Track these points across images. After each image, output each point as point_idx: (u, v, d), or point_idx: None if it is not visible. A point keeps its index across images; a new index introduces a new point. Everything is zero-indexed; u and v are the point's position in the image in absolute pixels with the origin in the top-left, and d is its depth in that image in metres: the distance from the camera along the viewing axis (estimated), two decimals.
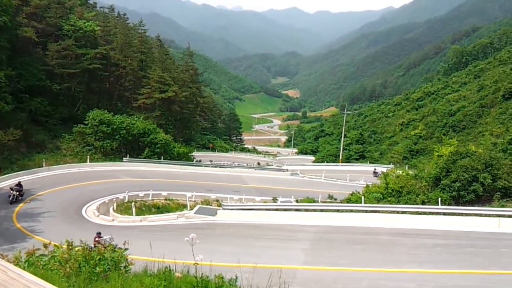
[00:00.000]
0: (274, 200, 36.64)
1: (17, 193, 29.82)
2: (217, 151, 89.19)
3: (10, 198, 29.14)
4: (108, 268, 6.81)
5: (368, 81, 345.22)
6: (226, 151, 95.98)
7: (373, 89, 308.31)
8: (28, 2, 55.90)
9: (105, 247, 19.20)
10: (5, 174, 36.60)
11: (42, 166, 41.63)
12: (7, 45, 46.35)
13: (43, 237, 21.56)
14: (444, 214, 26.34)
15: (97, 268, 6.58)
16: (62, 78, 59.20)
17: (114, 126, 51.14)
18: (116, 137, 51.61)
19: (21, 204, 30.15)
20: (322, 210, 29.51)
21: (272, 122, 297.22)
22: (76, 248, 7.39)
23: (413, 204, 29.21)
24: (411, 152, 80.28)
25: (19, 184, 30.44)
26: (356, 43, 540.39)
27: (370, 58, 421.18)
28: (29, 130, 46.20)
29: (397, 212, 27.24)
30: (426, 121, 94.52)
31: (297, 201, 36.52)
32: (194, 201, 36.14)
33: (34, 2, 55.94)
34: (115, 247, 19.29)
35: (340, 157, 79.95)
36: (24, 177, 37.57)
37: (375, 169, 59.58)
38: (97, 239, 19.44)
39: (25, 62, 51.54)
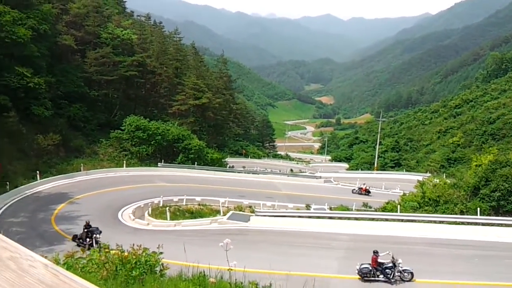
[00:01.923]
0: (307, 207, 36.32)
1: (93, 236, 22.29)
2: (250, 157, 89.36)
3: (87, 243, 21.67)
4: (144, 272, 6.87)
5: (404, 88, 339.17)
6: (259, 157, 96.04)
7: (409, 96, 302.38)
8: (67, 11, 57.93)
9: (90, 234, 21.14)
10: (44, 178, 37.79)
11: (80, 171, 42.75)
12: (47, 53, 48.03)
13: None
14: (483, 224, 25.48)
15: (133, 272, 6.64)
16: (100, 85, 60.89)
17: (150, 132, 52.08)
18: (152, 142, 52.53)
19: (59, 207, 31.02)
20: (356, 219, 29.05)
21: (305, 129, 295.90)
22: (113, 252, 7.49)
23: (451, 214, 28.38)
24: (449, 161, 78.11)
25: (88, 225, 22.62)
26: (391, 49, 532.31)
27: (406, 65, 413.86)
28: (68, 135, 47.62)
29: (434, 222, 26.54)
30: (464, 129, 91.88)
31: (330, 208, 36.06)
32: (227, 207, 36.25)
33: (74, 11, 57.92)
34: (93, 236, 21.19)
35: (375, 165, 78.69)
36: (63, 181, 38.79)
37: (362, 186, 50.02)
38: (84, 228, 21.55)
39: (64, 69, 53.31)
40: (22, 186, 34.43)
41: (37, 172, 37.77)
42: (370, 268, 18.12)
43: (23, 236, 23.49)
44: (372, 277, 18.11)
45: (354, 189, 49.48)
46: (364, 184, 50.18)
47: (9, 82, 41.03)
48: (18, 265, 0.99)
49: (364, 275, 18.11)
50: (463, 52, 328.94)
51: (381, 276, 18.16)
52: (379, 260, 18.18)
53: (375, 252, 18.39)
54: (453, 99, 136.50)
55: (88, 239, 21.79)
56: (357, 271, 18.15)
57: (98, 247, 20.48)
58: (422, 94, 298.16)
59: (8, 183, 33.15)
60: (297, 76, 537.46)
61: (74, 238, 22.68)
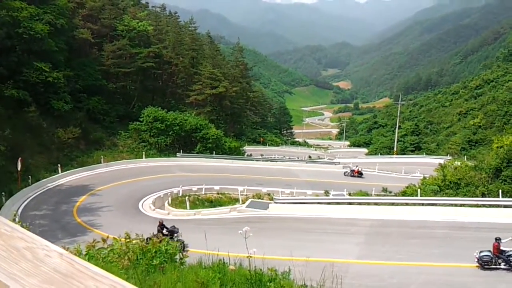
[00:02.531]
0: (326, 193, 36.29)
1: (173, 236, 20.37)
2: (268, 145, 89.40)
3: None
4: (164, 260, 7.02)
5: (423, 69, 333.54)
6: (277, 145, 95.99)
7: (429, 78, 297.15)
8: (83, 5, 58.35)
9: (165, 235, 19.13)
10: (65, 171, 38.51)
11: (100, 163, 43.39)
12: (64, 47, 48.59)
13: (102, 230, 22.49)
14: (505, 206, 25.13)
15: (154, 261, 6.79)
16: (117, 77, 61.45)
17: (168, 123, 52.49)
18: (170, 133, 52.96)
19: (81, 199, 31.65)
20: (376, 204, 28.96)
21: (323, 114, 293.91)
22: (134, 241, 7.65)
23: (472, 197, 28.05)
24: (470, 143, 76.87)
25: (162, 225, 20.75)
26: (410, 31, 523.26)
27: (425, 46, 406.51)
28: (88, 128, 48.29)
29: (455, 205, 26.28)
30: (485, 110, 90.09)
31: (349, 194, 35.98)
32: (246, 195, 36.45)
33: (89, 4, 58.35)
34: (174, 236, 19.06)
35: (395, 149, 77.95)
36: (84, 173, 39.48)
37: (354, 168, 50.31)
38: (158, 228, 19.80)
39: (82, 62, 53.92)
40: (44, 180, 35.11)
41: (58, 165, 38.47)
42: (491, 256, 17.15)
43: (46, 229, 24.05)
44: (494, 265, 17.07)
45: (346, 172, 49.38)
46: (356, 166, 50.03)
47: (28, 78, 41.73)
48: (34, 254, 1.02)
49: (485, 264, 17.11)
50: (483, 31, 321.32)
51: (503, 264, 17.13)
52: (501, 248, 17.20)
53: (497, 239, 17.41)
54: (473, 80, 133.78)
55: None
56: (476, 260, 17.20)
57: (181, 248, 18.84)
58: (442, 76, 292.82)
59: (30, 177, 33.87)
60: (314, 61, 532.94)
61: (148, 240, 20.73)
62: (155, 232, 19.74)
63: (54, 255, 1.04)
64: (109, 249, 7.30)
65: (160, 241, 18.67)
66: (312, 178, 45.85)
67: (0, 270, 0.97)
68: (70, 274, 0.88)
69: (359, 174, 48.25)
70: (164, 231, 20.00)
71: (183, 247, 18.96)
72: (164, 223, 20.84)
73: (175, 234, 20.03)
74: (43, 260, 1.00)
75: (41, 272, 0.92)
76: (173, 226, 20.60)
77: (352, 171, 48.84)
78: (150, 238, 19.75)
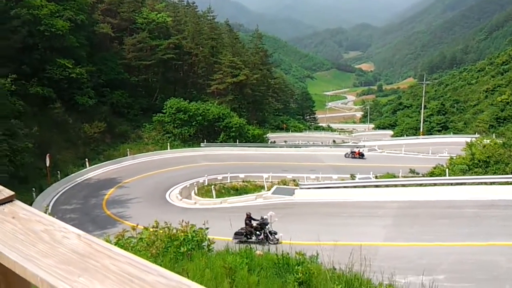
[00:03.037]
0: (352, 177, 36.01)
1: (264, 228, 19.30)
2: (291, 131, 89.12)
3: (259, 238, 18.93)
4: (192, 247, 7.08)
5: (448, 47, 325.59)
6: (300, 130, 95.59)
7: (453, 56, 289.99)
8: None
9: (255, 228, 18.67)
10: (93, 165, 39.28)
11: (127, 155, 44.06)
12: (86, 42, 49.26)
13: (131, 222, 22.74)
14: None
15: (182, 248, 6.86)
16: (139, 70, 62.00)
17: (191, 113, 52.80)
18: (193, 123, 53.29)
19: (109, 192, 32.25)
20: (403, 185, 28.59)
21: (346, 98, 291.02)
22: (161, 230, 7.75)
23: (502, 174, 27.37)
24: (498, 120, 75.03)
25: (250, 217, 19.32)
26: (432, 9, 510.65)
27: (448, 23, 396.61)
28: (112, 122, 49.02)
29: (485, 184, 25.73)
30: None
31: (376, 177, 35.62)
32: (271, 182, 36.47)
33: None
34: (266, 228, 18.60)
35: (421, 130, 76.65)
36: (111, 167, 40.19)
37: (356, 149, 50.77)
38: (246, 221, 19.05)
39: (103, 57, 54.58)
40: (73, 174, 35.91)
41: (86, 159, 39.28)
42: None
43: (77, 222, 24.58)
44: None
45: (347, 153, 49.13)
46: (357, 147, 49.37)
47: (52, 75, 42.51)
48: (52, 236, 1.02)
49: None
50: (508, 6, 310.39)
51: None
52: None
53: None
54: (499, 56, 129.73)
55: (259, 233, 19.04)
56: None
57: (275, 241, 18.26)
58: (467, 53, 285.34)
59: (59, 172, 34.69)
60: (334, 45, 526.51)
61: (238, 235, 18.95)
62: (243, 226, 19.03)
63: (72, 236, 1.03)
64: (138, 238, 7.42)
65: (250, 234, 18.72)
66: (337, 163, 45.52)
67: (17, 253, 0.98)
68: (87, 254, 0.89)
69: (360, 156, 48.05)
70: (254, 223, 19.13)
71: (277, 239, 18.24)
72: (251, 215, 19.41)
73: (267, 226, 18.89)
74: (61, 242, 0.99)
75: (58, 253, 0.93)
76: (262, 218, 19.17)
77: (353, 152, 48.77)
78: (242, 232, 18.91)
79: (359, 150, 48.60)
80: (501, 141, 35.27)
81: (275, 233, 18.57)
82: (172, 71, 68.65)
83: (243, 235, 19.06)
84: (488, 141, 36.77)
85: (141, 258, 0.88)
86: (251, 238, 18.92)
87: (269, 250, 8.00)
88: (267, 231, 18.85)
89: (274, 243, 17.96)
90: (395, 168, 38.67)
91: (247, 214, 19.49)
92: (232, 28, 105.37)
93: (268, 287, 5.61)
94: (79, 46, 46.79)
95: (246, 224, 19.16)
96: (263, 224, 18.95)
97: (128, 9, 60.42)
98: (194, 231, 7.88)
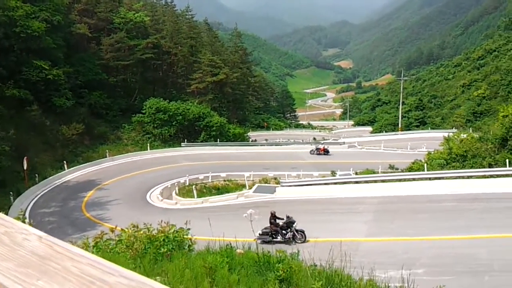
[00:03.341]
0: (333, 174, 36.27)
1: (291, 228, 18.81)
2: (272, 130, 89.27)
3: (286, 237, 18.61)
4: (172, 248, 7.05)
5: (425, 43, 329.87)
6: (281, 128, 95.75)
7: (430, 52, 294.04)
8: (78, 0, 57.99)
9: (281, 227, 18.23)
10: (71, 167, 38.72)
11: (106, 157, 43.58)
12: (62, 43, 48.55)
13: (111, 224, 22.48)
14: None
15: (162, 249, 6.82)
16: (117, 71, 61.34)
17: (170, 113, 52.48)
18: (173, 123, 52.98)
19: (88, 194, 31.84)
20: (383, 181, 28.91)
21: (325, 95, 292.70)
22: (141, 231, 7.68)
23: (480, 168, 27.92)
24: (475, 114, 76.45)
25: (274, 216, 18.93)
26: (409, 5, 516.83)
27: (425, 19, 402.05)
28: (91, 123, 48.42)
29: (463, 177, 26.18)
30: (489, 80, 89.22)
31: (356, 173, 35.95)
32: (253, 180, 36.54)
33: None
34: (292, 227, 18.20)
35: (399, 125, 77.62)
36: (90, 169, 39.71)
37: (321, 145, 51.18)
38: (271, 220, 18.53)
39: (81, 58, 53.83)
40: (51, 177, 35.39)
41: (64, 162, 38.71)
42: None
43: (55, 226, 24.25)
44: None
45: (312, 150, 49.61)
46: (322, 144, 49.95)
47: (28, 76, 41.78)
48: (12, 239, 1.00)
49: None
50: (483, 1, 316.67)
51: None
52: None
53: None
54: (475, 51, 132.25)
55: (285, 232, 18.53)
56: None
57: (303, 239, 18.13)
58: (444, 49, 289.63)
59: (37, 175, 34.13)
60: (313, 42, 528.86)
61: (263, 235, 18.50)
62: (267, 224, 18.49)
63: (32, 238, 1.02)
64: (117, 240, 7.34)
65: (275, 233, 18.21)
66: (318, 160, 45.84)
67: None
68: (48, 256, 0.89)
69: (325, 152, 48.68)
70: (280, 222, 18.61)
71: (304, 237, 18.05)
72: (276, 214, 18.81)
73: (293, 225, 18.41)
74: (21, 244, 0.98)
75: (17, 256, 0.92)
76: (288, 217, 18.64)
77: (318, 149, 49.24)
78: (267, 233, 18.45)
79: (324, 147, 49.21)
80: (477, 136, 35.92)
81: (302, 232, 18.30)
82: (151, 71, 68.09)
83: (268, 235, 18.53)
84: (465, 135, 37.42)
85: (103, 259, 0.87)
86: (276, 238, 18.50)
87: (249, 248, 8.00)
88: (294, 229, 18.38)
89: (301, 242, 17.77)
90: (374, 164, 39.11)
91: (271, 213, 18.82)
92: (211, 26, 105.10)
93: (249, 285, 5.62)
94: (56, 47, 46.06)
95: (271, 223, 18.55)
96: (290, 223, 18.46)
97: (105, 9, 59.70)
98: (174, 231, 7.84)
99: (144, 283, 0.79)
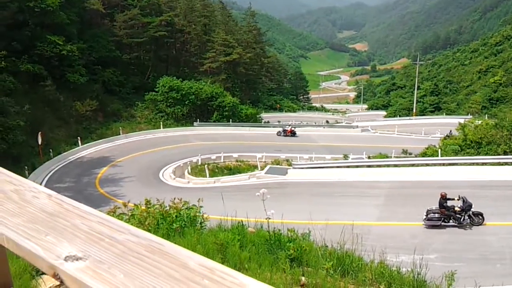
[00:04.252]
0: (345, 157, 36.10)
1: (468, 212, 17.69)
2: (285, 111, 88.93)
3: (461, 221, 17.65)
4: (184, 224, 7.04)
5: (442, 28, 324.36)
6: (294, 110, 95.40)
7: (447, 36, 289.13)
8: None
9: (462, 209, 17.42)
10: (85, 143, 39.05)
11: (119, 134, 43.81)
12: (76, 19, 48.53)
13: (125, 200, 22.69)
14: None
15: (174, 225, 6.82)
16: (131, 48, 61.23)
17: (183, 92, 52.42)
18: (186, 102, 52.96)
19: (102, 171, 32.13)
20: (395, 165, 28.73)
21: (339, 78, 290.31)
22: (153, 207, 7.68)
23: (494, 155, 27.55)
24: (491, 101, 75.32)
25: (445, 197, 17.80)
26: None
27: (443, 3, 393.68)
28: (104, 100, 48.56)
29: (477, 164, 25.92)
30: (506, 67, 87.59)
31: (369, 157, 35.74)
32: (264, 161, 36.51)
33: None
34: (469, 211, 17.49)
35: (414, 110, 76.75)
36: (103, 145, 40.02)
37: (288, 127, 50.84)
38: (441, 200, 17.51)
39: (94, 34, 53.75)
40: (65, 153, 35.77)
41: (78, 138, 39.05)
42: None
43: None
44: None
45: (279, 131, 48.99)
46: (289, 125, 49.18)
47: (42, 51, 41.85)
48: (21, 196, 0.99)
49: None
50: None
51: None
52: None
53: None
54: (493, 36, 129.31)
55: (459, 216, 17.42)
56: None
57: (481, 221, 17.20)
58: (461, 34, 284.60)
59: (51, 150, 34.47)
60: (328, 23, 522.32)
61: (433, 220, 17.61)
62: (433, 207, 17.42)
63: (42, 196, 0.98)
64: (130, 214, 7.36)
65: (447, 217, 17.30)
66: (330, 143, 45.56)
67: None
68: (56, 213, 0.88)
69: (292, 134, 48.14)
70: (455, 204, 17.46)
71: (483, 219, 17.23)
72: (447, 196, 17.53)
73: (471, 208, 17.27)
74: (30, 201, 0.96)
75: (26, 212, 0.92)
76: (463, 199, 17.34)
77: (285, 131, 48.74)
78: (439, 218, 17.32)
79: (291, 128, 48.63)
80: (493, 122, 35.36)
81: (480, 214, 17.36)
82: (164, 49, 67.87)
83: (439, 220, 17.48)
84: (480, 122, 36.88)
85: (113, 218, 0.88)
86: (448, 222, 17.50)
87: (261, 227, 7.96)
88: (471, 213, 17.29)
89: (478, 224, 17.01)
90: (388, 149, 38.80)
91: (442, 195, 17.60)
92: (225, 5, 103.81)
93: (260, 263, 5.59)
94: (70, 22, 46.02)
95: (441, 206, 17.41)
96: (468, 206, 17.25)
97: None
98: (187, 208, 7.84)
99: (154, 241, 0.79)
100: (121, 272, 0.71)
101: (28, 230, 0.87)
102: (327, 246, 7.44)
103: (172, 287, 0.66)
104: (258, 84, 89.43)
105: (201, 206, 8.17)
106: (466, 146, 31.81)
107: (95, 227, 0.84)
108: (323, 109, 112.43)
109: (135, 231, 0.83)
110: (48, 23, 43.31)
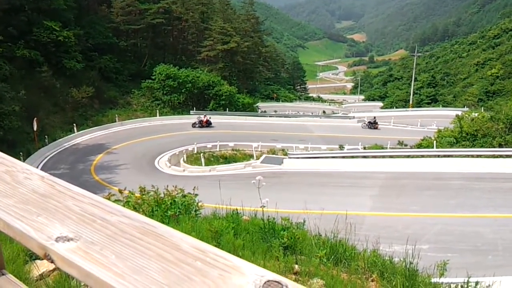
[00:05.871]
0: (341, 148, 36.18)
1: None
2: (281, 101, 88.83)
3: None
4: (179, 211, 7.08)
5: (440, 20, 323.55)
6: (291, 100, 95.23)
7: (446, 28, 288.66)
8: None
9: None
10: (81, 130, 38.96)
11: (115, 121, 43.71)
12: (73, 5, 48.05)
13: (120, 187, 22.76)
14: None
15: (169, 212, 6.86)
16: (128, 35, 60.84)
17: (180, 80, 52.21)
18: (183, 90, 52.77)
19: (97, 158, 32.09)
20: (391, 156, 28.81)
21: (337, 69, 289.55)
22: (149, 194, 7.71)
23: (489, 147, 27.68)
24: (487, 94, 75.43)
25: None
26: None
27: None
28: (101, 87, 48.32)
29: (472, 156, 26.01)
30: (503, 60, 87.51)
31: (364, 148, 35.81)
32: (260, 151, 36.56)
33: None
34: None
35: (410, 102, 76.83)
36: (99, 132, 39.92)
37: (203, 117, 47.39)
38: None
39: (91, 20, 53.33)
40: (61, 139, 35.62)
41: (74, 124, 38.93)
42: None
43: None
44: None
45: (194, 123, 46.47)
46: (204, 115, 48.02)
47: (39, 37, 41.51)
48: (13, 177, 0.99)
49: None
50: None
51: None
52: None
53: None
54: (491, 29, 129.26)
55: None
56: None
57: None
58: (459, 26, 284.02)
59: (46, 136, 34.36)
60: (327, 13, 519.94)
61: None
62: None
63: (34, 177, 0.98)
64: (124, 201, 7.38)
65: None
66: (326, 133, 45.65)
67: None
68: (49, 195, 0.88)
69: (208, 124, 46.10)
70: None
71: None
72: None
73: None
74: (22, 183, 0.96)
75: (18, 193, 0.93)
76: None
77: (201, 121, 46.22)
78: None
79: (206, 119, 47.34)
80: (489, 115, 35.47)
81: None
82: (161, 36, 67.40)
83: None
84: (476, 114, 36.98)
85: (105, 200, 0.87)
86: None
87: (255, 215, 8.00)
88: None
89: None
90: (383, 140, 38.91)
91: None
92: None
93: (254, 250, 5.64)
94: (67, 8, 45.62)
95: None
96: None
97: None
98: (182, 196, 7.87)
99: (146, 223, 0.79)
100: (112, 253, 0.71)
101: (20, 211, 0.86)
102: (320, 235, 7.50)
103: (165, 268, 0.66)
104: (256, 74, 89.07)
105: (196, 194, 8.20)
106: (462, 138, 31.94)
107: (87, 209, 0.85)
108: (320, 99, 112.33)
109: (128, 213, 0.83)
110: (45, 8, 42.91)
